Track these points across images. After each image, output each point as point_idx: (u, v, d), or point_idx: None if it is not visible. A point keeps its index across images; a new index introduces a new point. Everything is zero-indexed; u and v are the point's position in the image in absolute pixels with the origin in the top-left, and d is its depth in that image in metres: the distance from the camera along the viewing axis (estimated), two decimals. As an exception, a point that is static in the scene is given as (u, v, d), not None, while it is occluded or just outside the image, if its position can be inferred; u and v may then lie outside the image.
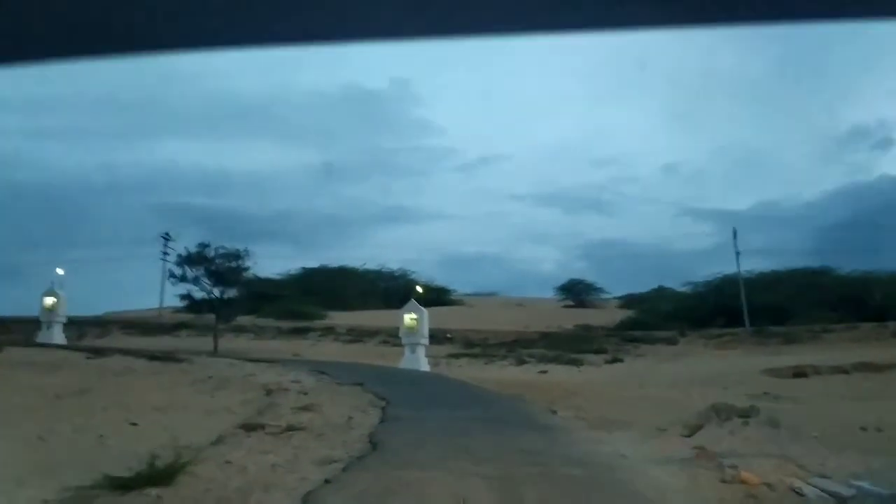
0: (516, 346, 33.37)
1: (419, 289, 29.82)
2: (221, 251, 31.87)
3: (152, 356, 20.99)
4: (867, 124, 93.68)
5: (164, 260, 44.58)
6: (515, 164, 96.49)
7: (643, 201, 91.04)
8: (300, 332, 38.66)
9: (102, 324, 41.36)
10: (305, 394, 13.51)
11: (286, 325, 40.48)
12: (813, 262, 49.36)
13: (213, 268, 31.67)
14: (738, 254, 42.27)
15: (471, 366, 27.99)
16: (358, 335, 37.73)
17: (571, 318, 47.34)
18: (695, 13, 1.32)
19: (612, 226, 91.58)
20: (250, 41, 1.43)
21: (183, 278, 31.80)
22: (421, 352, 24.92)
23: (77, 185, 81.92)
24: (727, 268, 45.92)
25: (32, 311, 31.59)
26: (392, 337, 29.86)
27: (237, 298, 33.62)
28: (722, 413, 9.90)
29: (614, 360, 29.39)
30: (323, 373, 17.66)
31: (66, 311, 30.77)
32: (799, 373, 21.07)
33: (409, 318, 25.10)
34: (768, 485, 6.40)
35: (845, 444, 8.88)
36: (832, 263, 47.17)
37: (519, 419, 11.59)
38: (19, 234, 64.84)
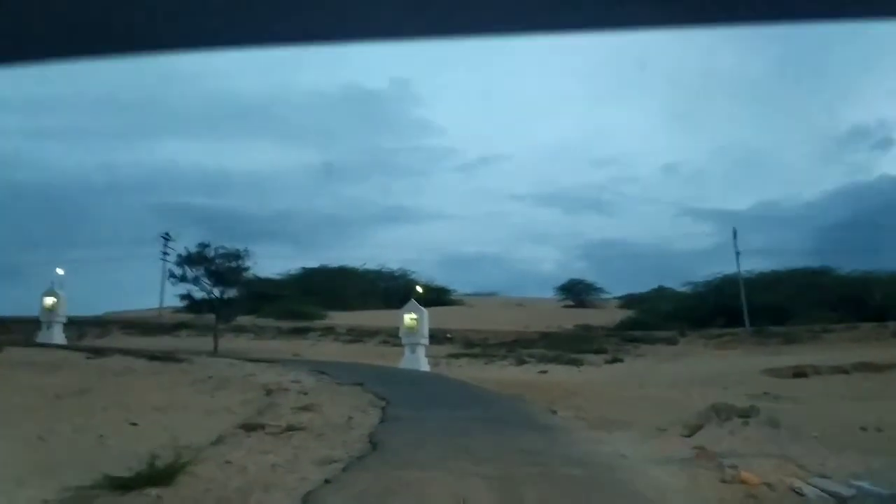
0: (516, 346, 33.36)
1: (419, 289, 29.82)
2: (221, 251, 31.87)
3: (152, 356, 20.99)
4: (867, 124, 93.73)
5: (164, 260, 44.59)
6: (515, 164, 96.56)
7: (643, 201, 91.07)
8: (300, 332, 38.66)
9: (102, 324, 41.36)
10: (305, 394, 13.51)
11: (286, 325, 40.48)
12: (813, 263, 49.40)
13: (213, 268, 31.66)
14: (738, 254, 42.30)
15: (471, 366, 27.98)
16: (358, 335, 37.73)
17: (571, 318, 47.33)
18: (695, 13, 1.32)
19: (612, 226, 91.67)
20: (250, 41, 1.43)
21: (183, 278, 31.81)
22: (421, 352, 24.92)
23: (77, 185, 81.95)
24: (727, 268, 45.94)
25: (32, 311, 31.61)
26: (392, 337, 29.86)
27: (237, 298, 33.61)
28: (722, 413, 9.89)
29: (614, 360, 29.38)
30: (323, 373, 17.66)
31: (66, 312, 30.77)
32: (799, 373, 21.06)
33: (409, 318, 25.09)
34: (768, 485, 6.40)
35: (845, 444, 8.88)
36: (832, 263, 47.22)
37: (519, 419, 11.58)
38: (19, 234, 64.86)
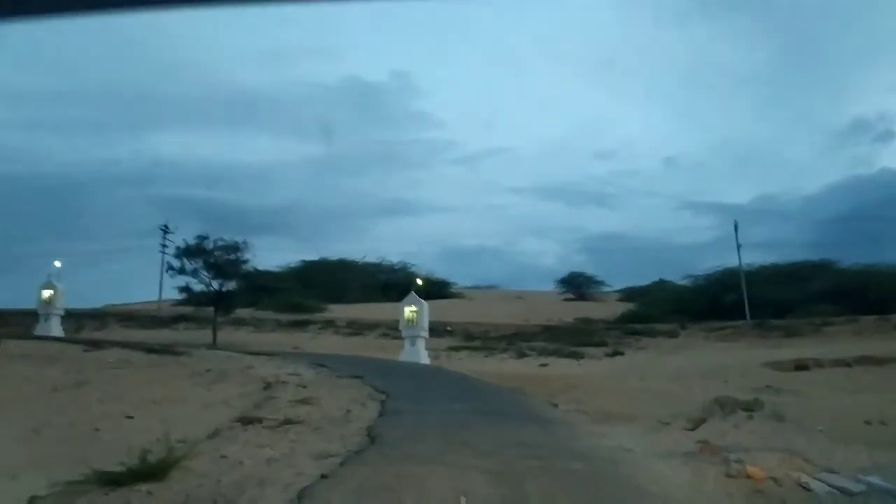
0: (516, 339, 33.27)
1: (419, 281, 29.65)
2: (220, 243, 31.71)
3: (150, 349, 20.88)
4: (868, 117, 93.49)
5: (162, 252, 44.42)
6: (515, 156, 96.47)
7: (644, 194, 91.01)
8: (300, 325, 38.58)
9: (101, 316, 41.29)
10: (304, 387, 13.39)
11: (286, 317, 40.39)
12: (814, 256, 49.28)
13: (211, 260, 31.51)
14: (739, 246, 42.15)
15: (471, 359, 27.87)
16: (358, 328, 37.65)
17: (572, 311, 47.27)
18: None
19: (612, 219, 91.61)
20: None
21: (181, 271, 31.66)
22: (421, 345, 24.80)
23: (75, 176, 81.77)
24: (728, 261, 45.89)
25: (30, 304, 31.48)
26: (392, 330, 29.76)
27: (236, 291, 33.48)
28: (726, 406, 9.77)
29: (615, 354, 29.28)
30: (322, 366, 17.55)
31: (63, 304, 30.63)
32: (800, 366, 20.97)
33: (409, 310, 24.97)
34: (774, 479, 6.27)
35: (850, 438, 8.76)
36: (833, 256, 47.13)
37: (519, 412, 11.47)
38: (17, 227, 64.70)
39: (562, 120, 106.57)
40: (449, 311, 39.04)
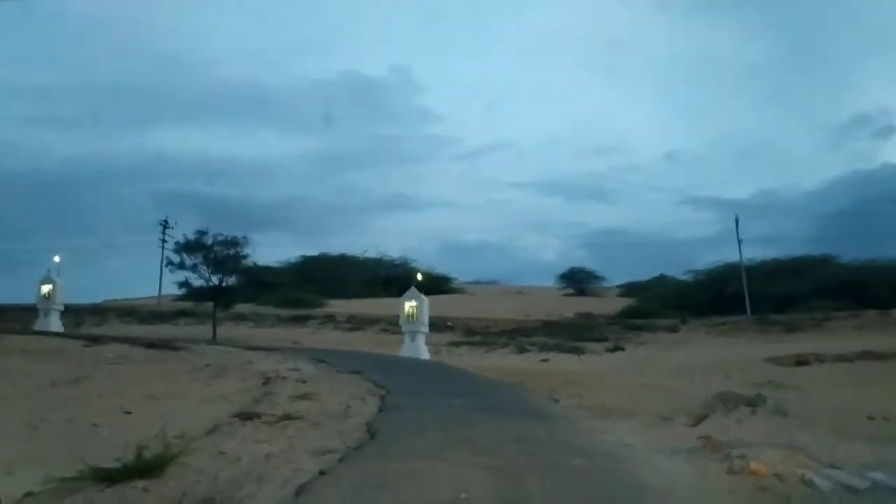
0: (517, 335, 33.22)
1: (419, 276, 29.59)
2: (220, 238, 31.64)
3: (150, 344, 20.84)
4: (869, 112, 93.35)
5: (162, 247, 44.39)
6: (516, 152, 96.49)
7: (644, 189, 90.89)
8: (300, 320, 38.55)
9: (100, 311, 41.29)
10: (304, 382, 13.33)
11: (286, 312, 40.36)
12: (814, 251, 49.23)
13: (211, 255, 31.45)
14: (740, 241, 42.11)
15: (471, 354, 27.83)
16: (358, 323, 37.63)
17: (572, 307, 47.21)
18: None
19: (613, 214, 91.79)
20: None
21: (181, 265, 31.62)
22: (421, 340, 24.76)
23: (75, 172, 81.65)
24: (728, 256, 45.83)
25: (30, 299, 31.45)
26: (392, 325, 29.71)
27: (236, 286, 33.44)
28: (728, 402, 9.70)
29: (616, 349, 29.23)
30: (322, 361, 17.50)
31: (63, 299, 30.61)
32: (801, 361, 20.90)
33: (409, 305, 24.91)
34: (778, 476, 6.20)
35: (853, 434, 8.70)
36: (834, 251, 47.08)
37: (520, 408, 11.41)
38: (17, 222, 64.63)
39: (563, 115, 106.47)
40: (449, 306, 39.00)
